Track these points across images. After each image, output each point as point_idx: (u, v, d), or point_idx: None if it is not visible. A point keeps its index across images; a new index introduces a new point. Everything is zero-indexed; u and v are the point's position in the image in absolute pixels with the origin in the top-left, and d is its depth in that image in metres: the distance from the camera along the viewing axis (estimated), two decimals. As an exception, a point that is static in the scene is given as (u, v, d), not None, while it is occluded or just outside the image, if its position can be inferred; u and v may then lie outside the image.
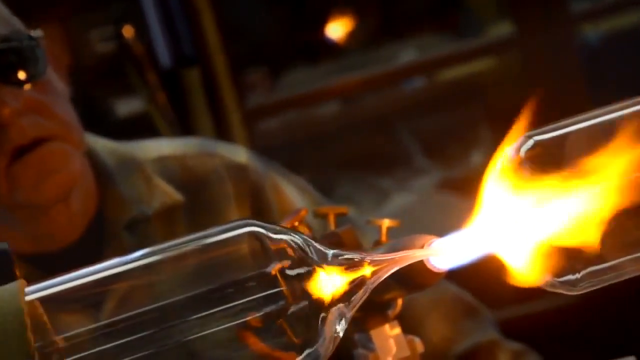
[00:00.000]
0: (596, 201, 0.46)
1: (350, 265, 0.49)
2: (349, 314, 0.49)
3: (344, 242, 0.60)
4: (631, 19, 2.05)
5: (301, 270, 0.49)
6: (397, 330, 0.58)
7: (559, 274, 0.48)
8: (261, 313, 0.49)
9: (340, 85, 2.04)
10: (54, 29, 1.85)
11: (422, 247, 0.52)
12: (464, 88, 2.10)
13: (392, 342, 0.58)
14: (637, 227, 0.47)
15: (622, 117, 0.48)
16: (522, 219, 0.47)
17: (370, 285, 0.49)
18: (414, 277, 0.53)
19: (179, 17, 1.84)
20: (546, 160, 0.47)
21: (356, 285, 0.49)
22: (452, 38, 2.13)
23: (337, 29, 2.09)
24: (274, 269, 0.48)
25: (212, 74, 1.83)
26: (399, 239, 0.54)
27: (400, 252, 0.50)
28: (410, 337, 0.59)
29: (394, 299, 0.58)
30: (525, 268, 0.48)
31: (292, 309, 0.48)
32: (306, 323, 0.48)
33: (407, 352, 0.58)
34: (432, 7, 2.21)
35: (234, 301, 0.48)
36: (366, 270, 0.49)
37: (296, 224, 0.62)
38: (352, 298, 0.49)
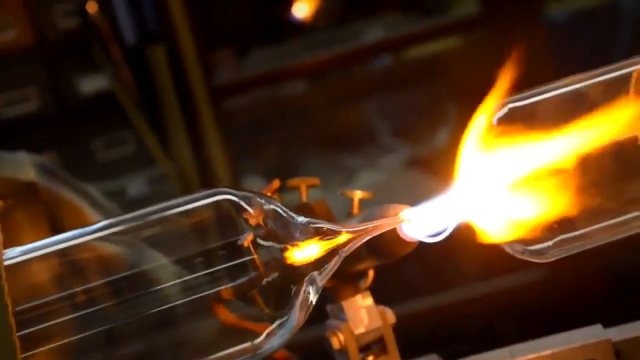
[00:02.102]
0: (568, 168, 0.47)
1: (323, 234, 0.49)
2: (321, 283, 0.49)
3: (316, 214, 0.60)
4: (596, -2, 2.07)
5: (274, 239, 0.48)
6: (369, 301, 0.58)
7: (529, 242, 0.48)
8: (234, 283, 0.48)
9: (307, 64, 2.03)
10: (16, 4, 1.82)
11: (395, 216, 0.52)
12: (430, 66, 2.10)
13: (363, 312, 0.58)
14: (607, 195, 0.48)
15: (594, 85, 0.48)
16: (494, 187, 0.48)
17: (343, 254, 0.49)
18: (387, 247, 0.52)
19: (143, -7, 1.82)
20: (520, 126, 0.47)
21: (329, 254, 0.49)
22: (419, 16, 2.13)
23: (303, 7, 2.08)
24: (246, 237, 0.48)
25: (177, 51, 1.82)
26: (372, 209, 0.54)
27: (374, 222, 0.50)
28: (382, 307, 0.59)
29: (366, 269, 0.58)
30: (497, 236, 0.48)
31: (265, 277, 0.48)
32: (279, 292, 0.48)
33: (379, 323, 0.58)
34: (399, -15, 2.20)
35: (205, 270, 0.48)
36: (339, 239, 0.49)
37: (268, 195, 0.61)
38: (325, 266, 0.49)
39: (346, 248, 0.49)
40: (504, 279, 1.79)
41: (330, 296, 0.59)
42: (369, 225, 0.49)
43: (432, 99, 2.09)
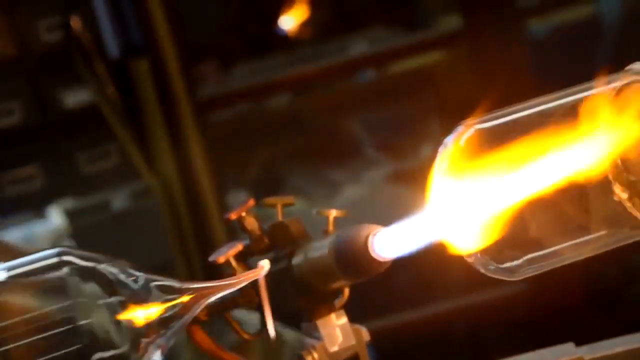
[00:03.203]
0: (536, 186, 0.47)
1: (167, 293, 0.47)
2: (167, 343, 0.47)
3: (292, 232, 0.60)
4: (578, 13, 2.09)
5: (113, 301, 0.46)
6: (344, 319, 0.59)
7: (500, 260, 0.49)
8: (70, 349, 0.46)
9: (291, 77, 2.04)
10: (-1, 18, 1.82)
11: (367, 236, 0.53)
12: (414, 80, 2.11)
13: (338, 331, 0.58)
14: (577, 212, 0.48)
15: (562, 105, 0.49)
16: (463, 206, 0.48)
17: (191, 313, 0.47)
18: (359, 267, 0.53)
19: (127, 7, 1.82)
20: (487, 147, 0.48)
21: (175, 312, 0.47)
22: (403, 31, 2.15)
23: (288, 21, 2.08)
24: (83, 300, 0.46)
25: (161, 64, 1.82)
26: (345, 229, 0.55)
27: (221, 280, 0.48)
28: (356, 326, 0.59)
29: (340, 288, 0.59)
30: (468, 253, 0.49)
31: (104, 341, 0.46)
32: (119, 357, 0.46)
33: (352, 341, 0.58)
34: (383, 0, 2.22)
35: (37, 335, 0.46)
36: (184, 298, 0.47)
37: (243, 214, 0.62)
38: (171, 325, 0.47)
39: (192, 307, 0.47)
40: (485, 292, 1.80)
41: (305, 315, 0.60)
42: (217, 283, 0.48)
43: (416, 113, 2.10)
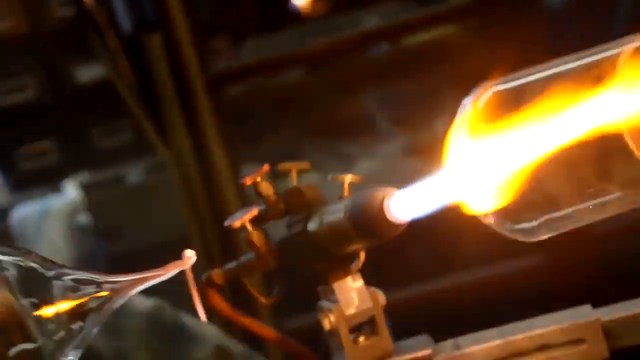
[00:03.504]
0: (553, 146, 0.47)
1: (86, 286, 0.47)
2: (88, 335, 0.46)
3: (307, 198, 0.61)
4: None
5: (29, 298, 0.46)
6: (360, 282, 0.59)
7: (516, 220, 0.49)
8: None
9: (304, 52, 2.03)
10: (11, -7, 1.82)
11: (382, 200, 0.53)
12: (428, 54, 2.10)
13: (354, 294, 0.58)
14: (594, 173, 0.48)
15: (580, 66, 0.49)
16: (480, 166, 0.48)
17: (112, 305, 0.46)
18: (375, 229, 0.53)
19: (139, -19, 1.82)
20: (505, 109, 0.48)
21: (96, 305, 0.46)
22: (416, 4, 2.13)
23: (301, -5, 2.07)
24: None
25: (174, 39, 1.82)
26: (360, 192, 0.55)
27: (144, 272, 0.47)
28: (373, 289, 0.59)
29: (356, 251, 0.59)
30: (484, 214, 0.49)
31: (21, 336, 0.45)
32: (36, 351, 0.45)
33: (369, 304, 0.59)
34: (396, -27, 2.20)
35: None
36: (103, 292, 0.47)
37: (258, 179, 0.62)
38: (90, 318, 0.46)
39: (113, 300, 0.46)
40: (502, 264, 1.80)
41: (321, 278, 0.60)
42: (141, 276, 0.47)
43: (430, 86, 2.09)
